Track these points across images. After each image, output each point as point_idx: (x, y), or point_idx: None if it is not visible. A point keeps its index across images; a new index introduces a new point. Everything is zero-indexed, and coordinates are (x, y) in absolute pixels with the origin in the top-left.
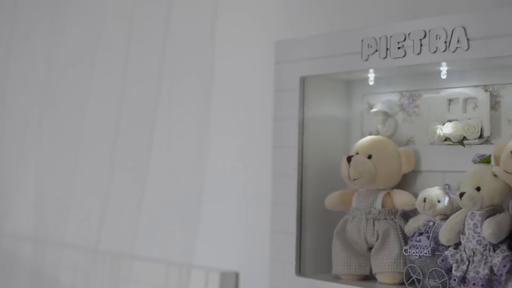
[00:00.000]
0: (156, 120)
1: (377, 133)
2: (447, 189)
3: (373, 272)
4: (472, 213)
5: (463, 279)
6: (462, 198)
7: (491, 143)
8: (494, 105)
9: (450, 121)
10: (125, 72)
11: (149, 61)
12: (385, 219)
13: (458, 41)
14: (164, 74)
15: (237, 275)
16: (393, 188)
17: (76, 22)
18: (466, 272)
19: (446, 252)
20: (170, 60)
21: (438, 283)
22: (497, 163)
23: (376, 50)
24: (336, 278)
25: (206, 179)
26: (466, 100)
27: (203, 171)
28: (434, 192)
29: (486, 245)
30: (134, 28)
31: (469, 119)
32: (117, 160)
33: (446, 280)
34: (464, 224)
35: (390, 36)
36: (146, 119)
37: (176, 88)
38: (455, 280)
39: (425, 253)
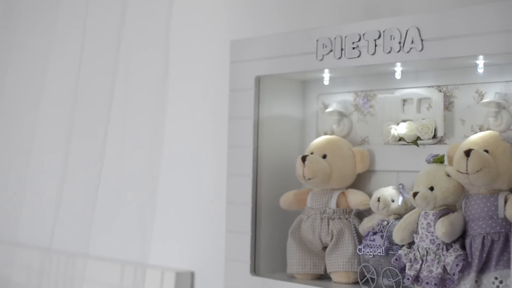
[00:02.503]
0: (110, 119)
1: (332, 133)
2: (401, 188)
3: (328, 271)
4: (426, 212)
5: (417, 278)
6: (416, 197)
7: (445, 143)
8: (448, 105)
9: (404, 121)
10: (79, 70)
11: (104, 60)
12: (340, 218)
13: (412, 42)
14: (119, 73)
15: (192, 275)
16: (347, 187)
17: (28, 17)
18: (419, 271)
19: (399, 251)
20: (125, 58)
21: (392, 282)
22: (450, 163)
23: (331, 50)
24: (291, 278)
25: (160, 179)
26: (420, 100)
27: (157, 170)
28: (388, 191)
29: (439, 244)
30: (89, 26)
31: (423, 119)
32: (71, 159)
33: (399, 279)
34: (417, 224)
35: (345, 37)
36: (100, 118)
37: (130, 87)
38: (408, 279)
39: (379, 252)
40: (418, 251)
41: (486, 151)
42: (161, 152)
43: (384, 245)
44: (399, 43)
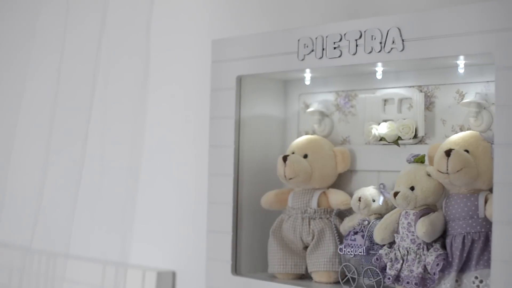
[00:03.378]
0: (91, 119)
1: (313, 133)
2: (382, 188)
3: (309, 271)
4: (406, 212)
5: (397, 278)
6: (396, 197)
7: (426, 143)
8: (429, 105)
9: (385, 121)
10: (59, 70)
11: (84, 60)
12: (321, 218)
13: (393, 42)
14: (100, 72)
15: (174, 274)
16: (328, 187)
17: (9, 19)
18: (400, 270)
19: (380, 251)
20: (106, 57)
21: (373, 282)
22: (431, 163)
23: (312, 50)
24: (272, 277)
25: (141, 178)
26: (401, 100)
27: (137, 170)
28: (369, 191)
29: (419, 244)
30: (69, 26)
31: (404, 119)
32: (51, 159)
33: (380, 278)
34: (398, 223)
35: (326, 36)
36: (80, 118)
37: (111, 86)
38: (389, 278)
39: (360, 252)
40: (399, 250)
41: (467, 151)
42: (141, 152)
43: (365, 245)
44: (380, 43)
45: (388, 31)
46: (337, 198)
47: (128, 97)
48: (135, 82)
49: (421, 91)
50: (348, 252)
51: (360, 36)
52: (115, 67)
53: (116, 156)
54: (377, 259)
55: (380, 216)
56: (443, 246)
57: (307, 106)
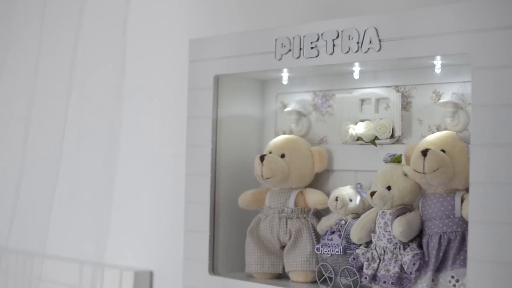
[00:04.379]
0: (67, 119)
1: (291, 132)
2: (359, 188)
3: (286, 270)
4: (383, 212)
5: (374, 277)
6: (373, 197)
7: (402, 143)
8: (406, 105)
9: (362, 121)
10: (35, 70)
11: (60, 59)
12: (298, 218)
13: (370, 42)
14: (76, 72)
15: (151, 274)
16: (306, 187)
17: None
18: (377, 270)
19: (357, 251)
20: (82, 57)
21: (350, 281)
22: (408, 162)
23: (290, 50)
24: (249, 277)
25: (118, 178)
26: (378, 100)
27: (113, 169)
28: (346, 191)
29: (396, 243)
30: (46, 26)
31: (381, 119)
32: (28, 158)
33: (357, 278)
34: (375, 223)
35: (304, 36)
36: (57, 118)
37: (87, 86)
38: (366, 278)
39: (336, 252)
40: (376, 250)
41: (443, 151)
42: (117, 151)
43: (341, 244)
44: (357, 43)
45: (365, 31)
46: (314, 198)
47: (104, 97)
48: (111, 81)
49: (398, 91)
50: (325, 251)
51: (337, 36)
52: (91, 65)
53: (92, 154)
54: (354, 258)
55: (357, 215)
56: (420, 246)
57: (285, 106)
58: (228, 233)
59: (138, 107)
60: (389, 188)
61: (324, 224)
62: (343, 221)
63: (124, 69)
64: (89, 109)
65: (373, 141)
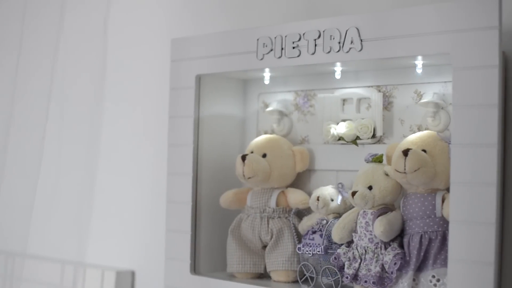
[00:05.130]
0: (48, 118)
1: (272, 132)
2: (340, 188)
3: (268, 270)
4: (364, 211)
5: (355, 277)
6: (354, 197)
7: (384, 143)
8: (387, 105)
9: (344, 120)
10: (16, 70)
11: (41, 58)
12: (279, 217)
13: (352, 42)
14: (57, 71)
15: (133, 274)
16: (287, 186)
17: None
18: (358, 269)
19: (338, 250)
20: (63, 56)
21: (331, 281)
22: (389, 162)
23: (272, 50)
24: (231, 277)
25: (100, 177)
26: (359, 100)
27: (94, 169)
28: (328, 191)
29: (377, 243)
30: (27, 23)
31: (363, 119)
32: (8, 159)
33: (338, 277)
34: (356, 223)
35: (285, 36)
36: (38, 117)
37: (68, 85)
38: (347, 278)
39: (318, 251)
40: (357, 250)
41: (424, 150)
42: (98, 151)
43: (323, 244)
44: (339, 43)
45: (346, 31)
46: (295, 198)
47: (85, 96)
48: (92, 81)
49: (379, 91)
50: (307, 251)
51: (319, 36)
52: (72, 64)
53: (73, 155)
54: (335, 258)
55: (338, 215)
56: (401, 245)
57: (266, 106)
58: (209, 232)
59: (120, 107)
60: (370, 187)
61: (305, 224)
62: (325, 221)
63: (105, 68)
64: (69, 108)
65: (355, 141)
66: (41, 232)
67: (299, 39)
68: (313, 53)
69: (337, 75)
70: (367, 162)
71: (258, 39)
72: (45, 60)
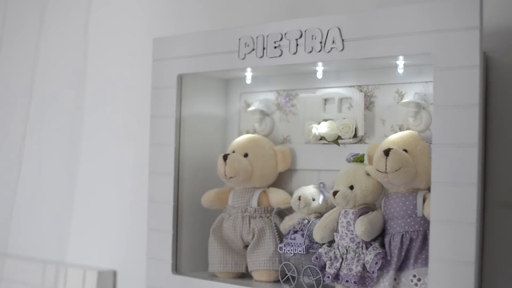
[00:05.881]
0: (29, 118)
1: (254, 132)
2: (321, 187)
3: (249, 270)
4: (346, 211)
5: (337, 276)
6: (336, 196)
7: (365, 143)
8: (368, 105)
9: (325, 120)
10: None
11: (22, 59)
12: (261, 217)
13: (333, 42)
14: (37, 71)
15: (114, 274)
16: (269, 186)
17: None
18: (339, 269)
19: (320, 250)
20: (43, 56)
21: (313, 281)
22: (370, 162)
23: (253, 49)
24: (212, 276)
25: (81, 177)
26: (341, 100)
27: (75, 168)
28: (309, 190)
29: (359, 242)
30: (7, 23)
31: (344, 118)
32: None
33: (320, 277)
34: (337, 222)
35: (267, 36)
36: (18, 117)
37: (49, 85)
38: (328, 277)
39: (299, 251)
40: (338, 249)
41: (405, 150)
42: (79, 150)
43: (304, 244)
44: (321, 43)
45: (328, 31)
46: (277, 197)
47: (66, 96)
48: (73, 80)
49: (361, 90)
50: (288, 251)
51: (301, 36)
52: (53, 64)
53: (54, 154)
54: (316, 257)
55: (319, 215)
56: (382, 245)
57: (248, 105)
58: (191, 232)
59: (102, 106)
60: (351, 187)
61: (287, 224)
62: (306, 221)
63: (86, 68)
64: (50, 108)
65: (336, 140)
66: (22, 232)
67: (281, 39)
68: (294, 53)
69: (319, 75)
70: (349, 162)
71: (240, 39)
72: (26, 61)
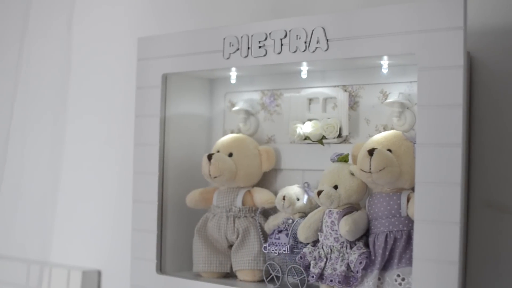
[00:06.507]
0: (12, 118)
1: (239, 131)
2: (306, 187)
3: (234, 269)
4: (330, 211)
5: (321, 276)
6: (320, 196)
7: (350, 142)
8: (353, 105)
9: (310, 120)
10: None
11: (6, 59)
12: (246, 217)
13: (318, 42)
14: (21, 71)
15: (99, 273)
16: (253, 186)
17: None
18: (323, 269)
19: (304, 250)
20: (27, 56)
21: (297, 280)
22: (355, 162)
23: (238, 49)
24: (197, 276)
25: (66, 177)
26: (325, 99)
27: (58, 168)
28: (294, 190)
29: (343, 242)
30: None
31: (329, 118)
32: None
33: (304, 277)
34: (322, 222)
35: (252, 35)
36: (2, 117)
37: (33, 84)
38: (313, 277)
39: (284, 251)
40: (323, 249)
41: (390, 150)
42: (63, 149)
43: (289, 243)
44: (305, 42)
45: (312, 30)
46: (261, 197)
47: (50, 95)
48: (57, 80)
49: (345, 90)
50: (273, 250)
51: (285, 36)
52: (37, 64)
53: (37, 154)
54: (301, 257)
55: (304, 214)
56: (366, 245)
57: (233, 105)
58: (175, 232)
59: (86, 106)
60: (336, 187)
61: (271, 223)
62: (290, 220)
63: (70, 67)
64: (34, 108)
65: (321, 140)
66: (6, 232)
67: (266, 39)
68: (279, 53)
69: (303, 75)
70: (333, 162)
71: (224, 39)
72: (9, 60)
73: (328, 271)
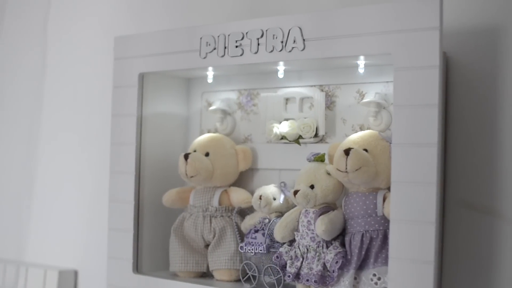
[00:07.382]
0: None
1: (215, 131)
2: (282, 187)
3: (210, 269)
4: (306, 210)
5: (297, 275)
6: (296, 195)
7: (326, 142)
8: (330, 104)
9: (286, 119)
10: None
11: None
12: (222, 216)
13: (294, 41)
14: None
15: (76, 273)
16: (230, 185)
17: None
18: (300, 268)
19: (280, 249)
20: (2, 55)
21: (273, 280)
22: (331, 161)
23: (215, 48)
24: (173, 276)
25: (41, 176)
26: (302, 99)
27: (33, 167)
28: (270, 189)
29: (319, 242)
30: None
31: (305, 118)
32: None
33: (281, 276)
34: (298, 222)
35: (228, 35)
36: None
37: (7, 83)
38: (289, 276)
39: (260, 250)
40: (299, 248)
41: (366, 150)
42: (37, 148)
43: (265, 243)
44: (282, 42)
45: (289, 30)
46: (238, 197)
47: (25, 94)
48: (32, 79)
49: (322, 90)
50: (249, 250)
51: (262, 35)
52: (12, 62)
53: (12, 152)
54: (277, 257)
55: (280, 214)
56: (342, 244)
57: (210, 104)
58: (152, 231)
59: (62, 105)
60: (312, 186)
61: (248, 223)
62: (267, 220)
63: (46, 66)
64: (9, 106)
65: (297, 140)
66: None
67: (242, 38)
68: (256, 52)
69: (280, 75)
70: (309, 161)
71: (201, 38)
72: None
73: (304, 271)
